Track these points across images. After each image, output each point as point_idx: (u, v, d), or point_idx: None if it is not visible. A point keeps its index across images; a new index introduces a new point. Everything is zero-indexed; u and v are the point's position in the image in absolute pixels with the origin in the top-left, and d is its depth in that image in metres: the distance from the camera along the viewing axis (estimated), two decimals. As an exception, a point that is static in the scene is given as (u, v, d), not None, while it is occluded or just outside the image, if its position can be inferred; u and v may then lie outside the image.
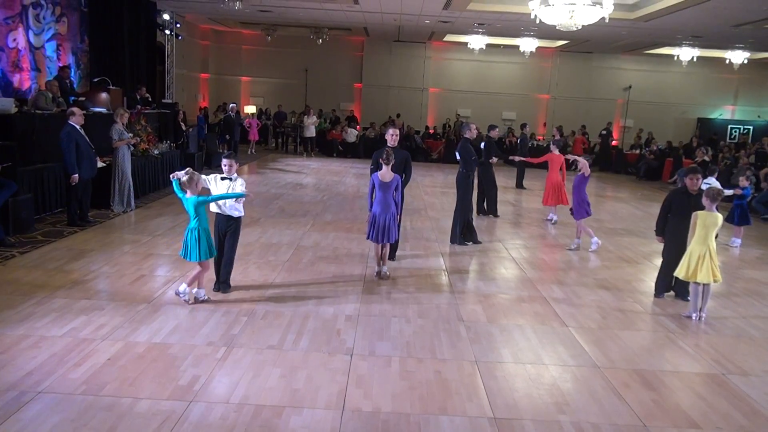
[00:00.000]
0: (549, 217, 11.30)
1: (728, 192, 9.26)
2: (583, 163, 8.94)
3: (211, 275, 6.20)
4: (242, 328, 5.37)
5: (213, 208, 6.07)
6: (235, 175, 6.10)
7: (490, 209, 11.57)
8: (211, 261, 6.07)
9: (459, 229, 9.02)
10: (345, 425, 3.90)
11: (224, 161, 6.08)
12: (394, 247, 7.80)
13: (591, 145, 21.94)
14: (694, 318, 6.23)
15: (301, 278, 6.97)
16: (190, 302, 5.84)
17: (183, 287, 5.85)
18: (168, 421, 3.81)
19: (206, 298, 5.97)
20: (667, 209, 6.81)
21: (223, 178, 6.05)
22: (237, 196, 5.96)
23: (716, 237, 6.19)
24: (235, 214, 6.12)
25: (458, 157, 8.97)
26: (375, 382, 4.50)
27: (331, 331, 5.41)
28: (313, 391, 4.31)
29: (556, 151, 11.10)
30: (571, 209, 9.16)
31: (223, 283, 6.27)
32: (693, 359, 5.29)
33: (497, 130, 12.27)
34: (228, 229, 6.14)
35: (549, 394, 4.48)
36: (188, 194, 5.75)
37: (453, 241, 9.08)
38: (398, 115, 23.27)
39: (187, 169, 5.86)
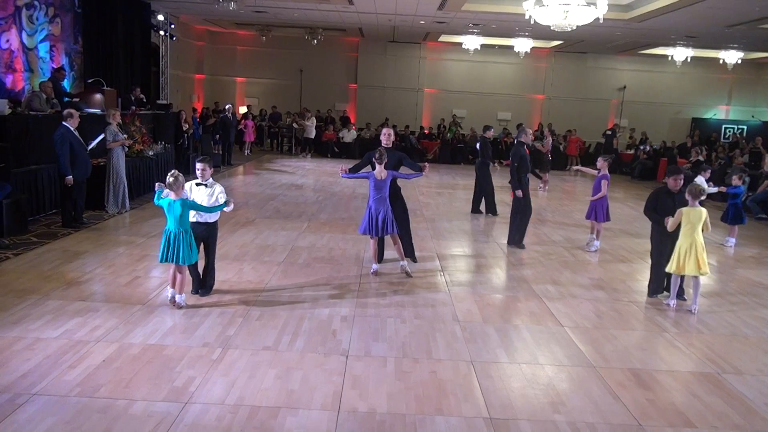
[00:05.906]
0: None
1: (712, 190, 9.37)
2: (598, 168, 9.01)
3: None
4: (237, 329, 5.36)
5: (191, 216, 5.94)
6: (211, 179, 6.01)
7: (489, 209, 11.70)
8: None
9: (518, 231, 9.02)
10: (341, 426, 3.89)
11: (198, 165, 5.96)
12: (408, 246, 7.76)
13: (587, 146, 22.02)
14: (672, 305, 6.50)
15: (296, 279, 6.96)
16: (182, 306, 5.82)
17: (181, 296, 5.79)
18: (163, 422, 3.80)
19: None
20: (653, 203, 6.85)
21: (198, 184, 5.96)
22: (220, 209, 5.91)
23: (703, 231, 6.29)
24: (211, 219, 6.07)
25: (511, 160, 9.00)
26: (371, 382, 4.50)
27: (327, 332, 5.41)
28: (309, 391, 4.30)
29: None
30: (594, 212, 9.09)
31: (206, 288, 6.20)
32: (688, 358, 5.31)
33: (492, 131, 12.56)
34: (208, 234, 6.08)
35: (544, 393, 4.49)
36: (173, 197, 5.63)
37: (510, 242, 9.11)
38: (386, 119, 23.10)
39: (173, 171, 5.74)
